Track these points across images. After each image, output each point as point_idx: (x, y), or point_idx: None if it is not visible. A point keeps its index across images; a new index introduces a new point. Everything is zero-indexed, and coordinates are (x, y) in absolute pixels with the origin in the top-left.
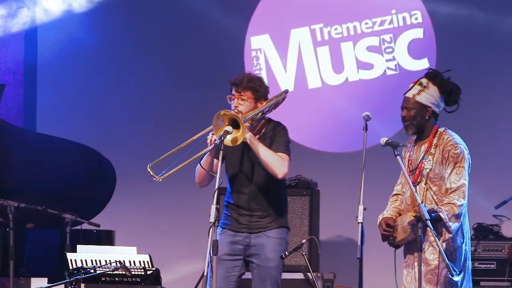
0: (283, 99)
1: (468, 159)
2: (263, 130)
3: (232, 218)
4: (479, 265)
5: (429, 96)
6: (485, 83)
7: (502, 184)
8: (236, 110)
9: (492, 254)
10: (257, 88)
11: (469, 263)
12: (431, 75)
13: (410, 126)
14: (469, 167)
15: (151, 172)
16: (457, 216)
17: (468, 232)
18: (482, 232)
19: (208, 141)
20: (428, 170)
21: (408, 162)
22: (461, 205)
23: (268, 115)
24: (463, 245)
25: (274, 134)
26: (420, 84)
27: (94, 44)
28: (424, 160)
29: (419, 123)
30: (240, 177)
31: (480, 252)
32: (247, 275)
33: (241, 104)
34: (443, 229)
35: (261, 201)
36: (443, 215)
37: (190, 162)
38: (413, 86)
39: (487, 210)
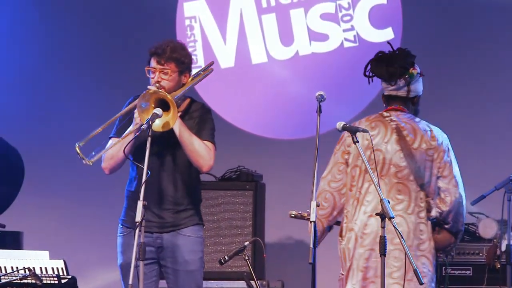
0: (210, 72)
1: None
2: (187, 109)
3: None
4: (453, 271)
5: None
6: (460, 58)
7: (479, 177)
8: (157, 86)
9: (468, 258)
10: (182, 59)
11: None
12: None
13: None
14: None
15: (80, 154)
16: None
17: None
18: None
19: (136, 115)
20: None
21: None
22: None
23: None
24: None
25: (201, 118)
26: None
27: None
28: None
29: None
30: (153, 164)
31: (454, 256)
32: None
33: (164, 79)
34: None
35: (177, 195)
36: None
37: (121, 141)
38: None
39: None
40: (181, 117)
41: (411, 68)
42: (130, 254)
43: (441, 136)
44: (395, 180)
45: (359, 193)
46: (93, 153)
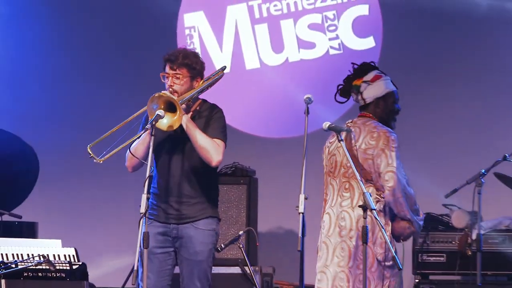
0: (221, 77)
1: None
2: (198, 109)
3: (158, 207)
4: (428, 258)
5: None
6: (436, 65)
7: (452, 172)
8: (171, 90)
9: (442, 246)
10: (193, 65)
11: None
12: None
13: None
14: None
15: (91, 153)
16: None
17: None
18: (431, 223)
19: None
20: None
21: None
22: None
23: (203, 96)
24: None
25: (210, 117)
26: None
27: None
28: None
29: None
30: (168, 161)
31: (429, 244)
32: (176, 270)
33: (176, 83)
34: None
35: (191, 188)
36: None
37: (131, 142)
38: None
39: (436, 199)
40: (192, 116)
41: (355, 80)
42: (152, 242)
43: (382, 136)
44: (343, 179)
45: (325, 194)
46: (104, 152)
